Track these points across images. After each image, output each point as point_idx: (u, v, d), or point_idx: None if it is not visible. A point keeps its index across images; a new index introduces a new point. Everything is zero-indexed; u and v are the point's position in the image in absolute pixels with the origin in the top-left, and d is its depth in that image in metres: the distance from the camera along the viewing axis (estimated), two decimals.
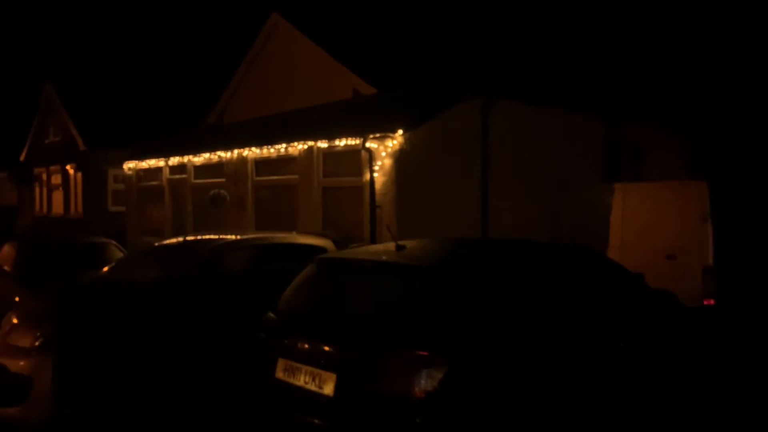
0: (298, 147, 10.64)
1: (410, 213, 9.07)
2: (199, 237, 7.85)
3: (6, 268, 9.28)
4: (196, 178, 13.68)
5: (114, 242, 11.20)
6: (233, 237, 7.68)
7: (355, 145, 9.54)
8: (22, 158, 24.88)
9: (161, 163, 14.69)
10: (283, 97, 13.28)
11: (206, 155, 12.97)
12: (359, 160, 9.61)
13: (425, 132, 9.24)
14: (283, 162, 11.24)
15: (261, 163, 11.79)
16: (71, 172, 20.61)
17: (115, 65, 21.76)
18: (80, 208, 19.92)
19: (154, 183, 15.25)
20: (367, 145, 9.17)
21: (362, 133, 9.29)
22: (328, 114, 11.34)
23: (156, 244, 8.32)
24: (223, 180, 12.61)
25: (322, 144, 10.17)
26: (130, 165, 15.99)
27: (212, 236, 8.12)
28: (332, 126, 10.29)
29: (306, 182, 10.58)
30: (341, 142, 9.75)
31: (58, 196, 22.01)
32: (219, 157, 12.67)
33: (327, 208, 10.38)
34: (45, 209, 23.00)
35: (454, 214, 9.55)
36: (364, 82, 11.55)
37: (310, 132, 10.46)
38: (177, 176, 14.28)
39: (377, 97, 11.12)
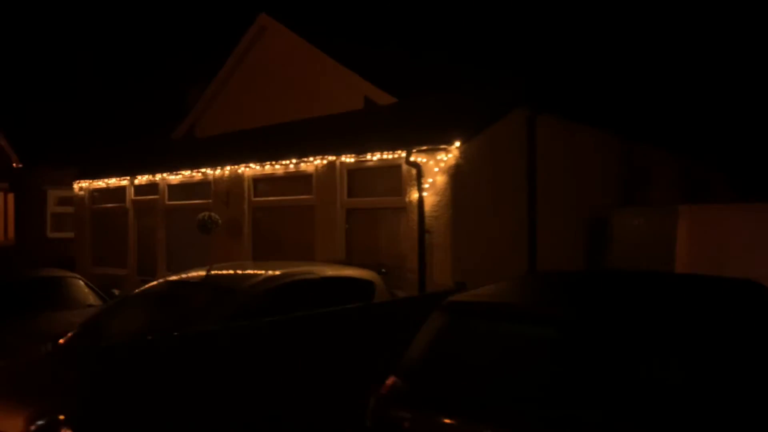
0: (315, 162, 9.12)
1: (465, 239, 7.74)
2: (216, 271, 6.17)
3: None
4: (170, 199, 11.79)
5: (77, 275, 9.26)
6: (266, 271, 6.09)
7: (393, 159, 8.16)
8: None
9: (124, 182, 12.67)
10: (274, 107, 11.68)
11: (186, 172, 11.15)
12: (397, 177, 8.23)
13: (477, 146, 7.99)
14: (291, 180, 9.67)
15: (261, 181, 10.14)
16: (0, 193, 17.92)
17: (56, 70, 19.33)
18: (11, 234, 17.27)
19: (111, 205, 13.16)
20: (413, 158, 7.81)
21: (405, 145, 7.93)
22: (341, 125, 9.89)
23: (162, 279, 6.58)
24: (209, 201, 10.83)
25: (347, 158, 8.71)
26: (81, 184, 13.81)
27: (230, 270, 6.52)
28: (357, 137, 8.87)
29: (325, 203, 9.06)
30: (374, 157, 8.33)
31: None
32: (203, 174, 10.91)
33: (352, 234, 8.88)
34: None
35: (502, 239, 8.32)
36: (380, 89, 10.19)
37: (330, 145, 8.98)
38: (145, 197, 12.31)
39: (398, 106, 9.78)
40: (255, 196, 10.21)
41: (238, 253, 10.23)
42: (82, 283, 9.08)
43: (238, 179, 10.31)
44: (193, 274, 6.28)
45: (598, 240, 9.69)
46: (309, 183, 9.34)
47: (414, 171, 7.88)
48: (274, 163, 9.63)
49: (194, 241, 11.33)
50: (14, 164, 16.50)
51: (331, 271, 6.53)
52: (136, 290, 6.23)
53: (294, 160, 9.37)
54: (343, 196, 8.89)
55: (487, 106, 8.55)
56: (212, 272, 5.99)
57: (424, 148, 7.78)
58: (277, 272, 6.00)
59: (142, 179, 12.27)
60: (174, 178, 11.55)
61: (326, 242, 8.99)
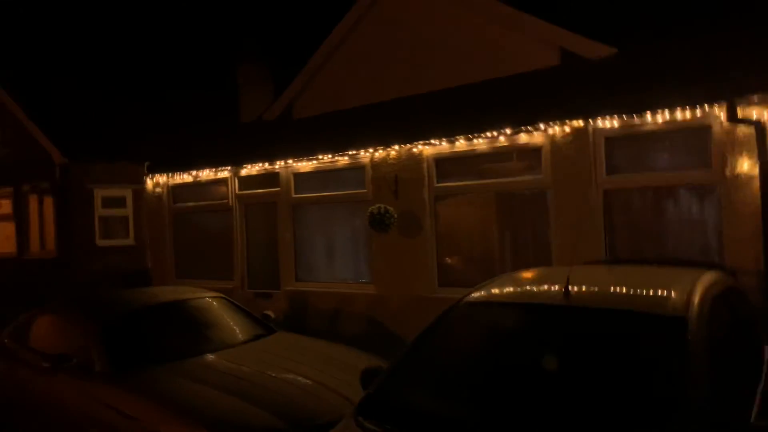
0: (549, 131, 6.82)
1: None
2: (581, 286, 3.83)
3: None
4: (299, 191, 9.37)
5: (219, 294, 6.96)
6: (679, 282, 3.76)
7: (691, 119, 5.91)
8: None
9: (223, 173, 10.19)
10: (417, 72, 9.31)
11: (326, 157, 8.74)
12: (703, 141, 5.97)
13: None
14: (500, 156, 7.35)
15: (448, 161, 7.79)
16: (33, 196, 15.15)
17: (93, 59, 16.60)
18: (51, 244, 14.55)
19: (206, 203, 10.67)
20: (743, 114, 5.57)
21: (715, 94, 5.68)
22: (546, 84, 7.58)
23: (479, 297, 4.25)
24: (363, 190, 8.46)
25: (605, 122, 6.43)
26: (158, 179, 11.27)
27: (610, 283, 4.21)
28: (597, 95, 6.58)
29: (567, 184, 6.76)
30: (658, 117, 6.06)
31: (4, 230, 16.32)
32: (351, 158, 8.52)
33: (614, 224, 6.60)
34: None
35: None
36: (585, 38, 7.90)
37: (578, 105, 6.67)
38: (257, 191, 9.86)
39: (625, 57, 7.50)
40: (440, 181, 7.86)
41: (414, 256, 7.89)
42: (229, 304, 6.76)
43: (412, 161, 7.94)
44: (534, 290, 4.02)
45: None
46: (536, 158, 7.04)
47: (742, 131, 5.64)
48: (476, 135, 7.29)
49: (336, 242, 8.96)
50: (56, 161, 13.79)
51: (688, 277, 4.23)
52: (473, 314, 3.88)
53: (508, 131, 7.05)
54: (600, 173, 6.60)
55: None
56: (575, 288, 3.64)
57: (757, 96, 5.54)
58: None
59: (251, 169, 9.81)
60: (304, 165, 9.12)
61: (572, 238, 6.70)
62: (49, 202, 14.61)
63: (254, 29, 18.41)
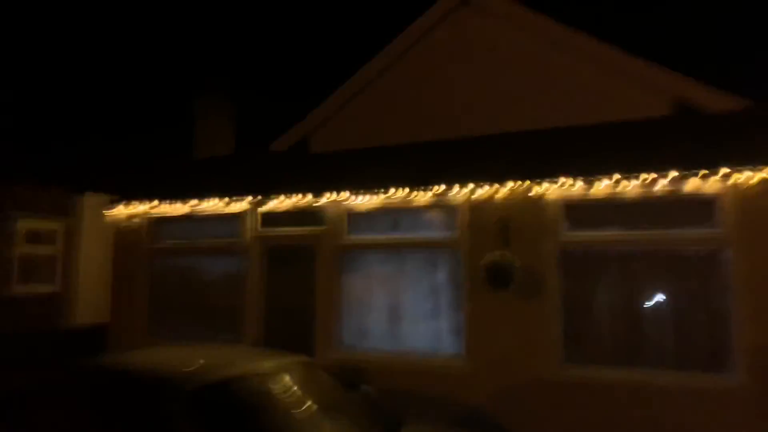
0: (732, 178, 5.66)
1: None
2: None
3: None
4: (353, 231, 7.47)
5: (307, 359, 5.06)
6: None
7: None
8: None
9: (238, 206, 8.06)
10: (484, 109, 8.07)
11: (399, 191, 7.01)
12: None
13: None
14: (646, 205, 6.07)
15: (581, 209, 6.37)
16: None
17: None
18: None
19: (207, 241, 8.39)
20: None
21: None
22: (670, 138, 6.56)
23: None
24: (451, 237, 6.79)
25: None
26: (133, 209, 8.81)
27: None
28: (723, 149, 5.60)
29: (759, 241, 5.56)
30: None
31: None
32: (436, 197, 6.87)
33: None
34: None
35: None
36: (708, 88, 7.08)
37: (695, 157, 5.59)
38: (288, 229, 7.81)
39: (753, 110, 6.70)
40: (569, 229, 6.39)
41: (530, 323, 6.25)
42: (326, 376, 4.83)
43: (530, 204, 6.45)
44: None
45: None
46: (708, 209, 5.82)
47: None
48: (625, 176, 5.99)
49: (405, 301, 7.15)
50: None
51: None
52: None
53: (673, 173, 5.83)
54: None
55: None
56: None
57: None
58: None
59: (282, 202, 7.79)
60: (365, 202, 7.29)
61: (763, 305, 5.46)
62: None
63: (216, 64, 16.50)
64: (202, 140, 11.76)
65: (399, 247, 7.17)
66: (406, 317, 7.12)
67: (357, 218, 7.44)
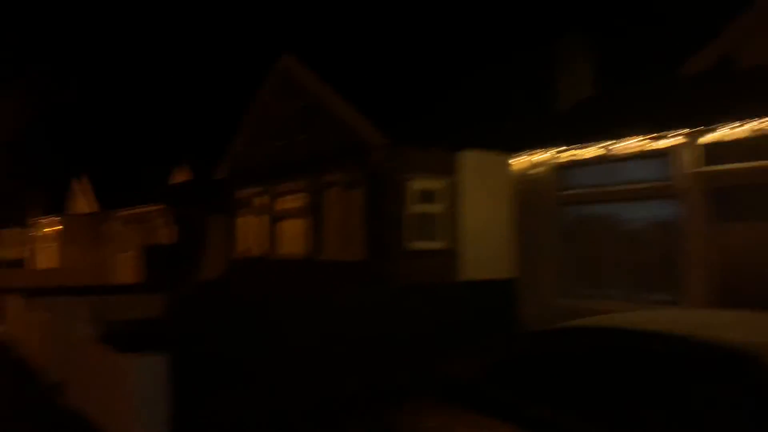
0: None
1: None
2: None
3: None
4: None
5: None
6: None
7: None
8: (221, 175, 17.98)
9: (666, 141, 6.73)
10: None
11: None
12: None
13: None
14: None
15: None
16: (333, 189, 13.15)
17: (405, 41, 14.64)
18: (355, 244, 12.30)
19: (621, 188, 7.30)
20: None
21: None
22: None
23: None
24: None
25: None
26: (534, 158, 8.16)
27: None
28: None
29: None
30: None
31: (291, 228, 14.65)
32: None
33: None
34: (261, 248, 15.54)
35: None
36: None
37: None
38: (747, 165, 6.23)
39: None
40: None
41: None
42: None
43: None
44: None
45: None
46: None
47: None
48: None
49: None
50: (375, 144, 11.52)
51: None
52: None
53: None
54: None
55: None
56: None
57: None
58: None
59: (734, 129, 6.20)
60: None
61: None
62: (355, 195, 12.40)
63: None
64: (564, 84, 10.67)
65: None
66: None
67: None
